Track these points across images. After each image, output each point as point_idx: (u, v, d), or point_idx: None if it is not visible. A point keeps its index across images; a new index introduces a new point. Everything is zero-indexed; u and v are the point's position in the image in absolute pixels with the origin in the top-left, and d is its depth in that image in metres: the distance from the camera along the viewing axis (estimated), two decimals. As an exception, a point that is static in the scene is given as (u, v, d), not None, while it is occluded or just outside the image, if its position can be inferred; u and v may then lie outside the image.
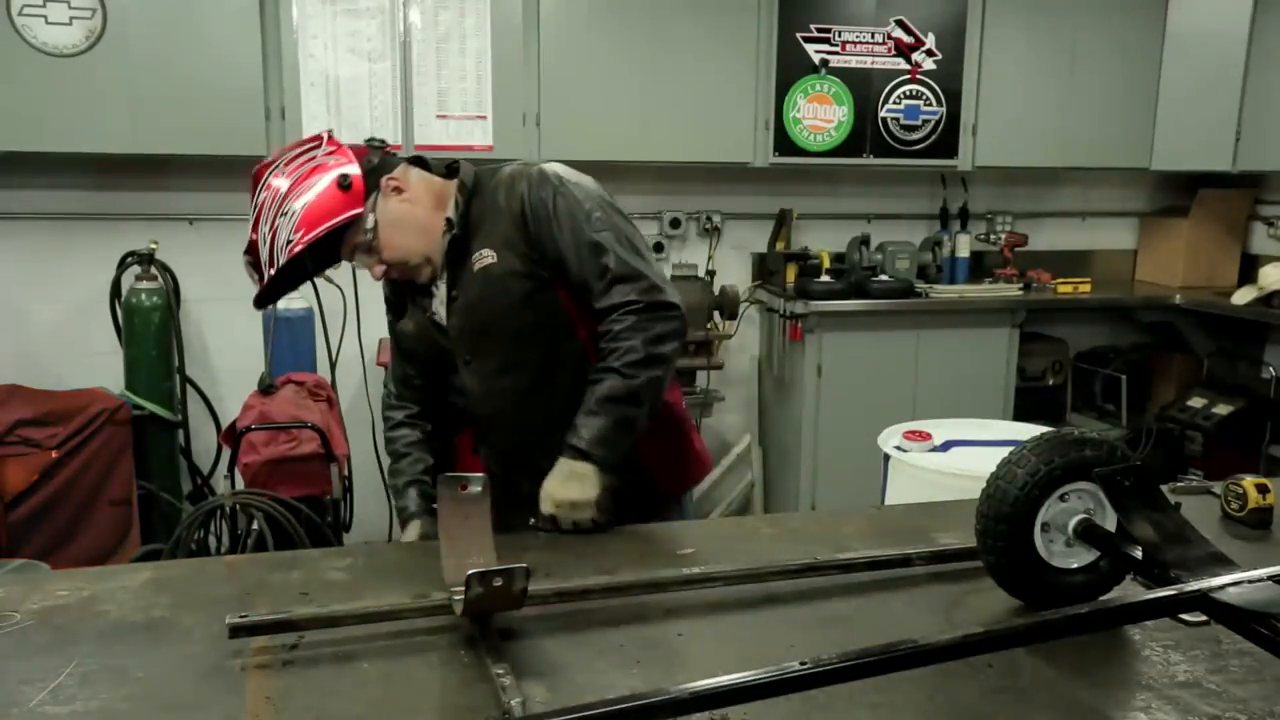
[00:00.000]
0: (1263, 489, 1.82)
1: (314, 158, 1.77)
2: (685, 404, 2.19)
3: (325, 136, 1.82)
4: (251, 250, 1.76)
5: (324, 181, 1.74)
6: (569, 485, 1.78)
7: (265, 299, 1.82)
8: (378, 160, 1.84)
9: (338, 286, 4.10)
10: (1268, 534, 1.80)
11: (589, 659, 1.32)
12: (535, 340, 1.89)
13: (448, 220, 1.87)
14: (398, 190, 1.84)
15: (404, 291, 1.99)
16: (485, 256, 1.85)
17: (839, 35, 4.51)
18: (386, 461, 2.11)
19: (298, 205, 1.72)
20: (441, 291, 1.93)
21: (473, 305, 1.88)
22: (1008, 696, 1.23)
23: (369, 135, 4.18)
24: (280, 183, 1.74)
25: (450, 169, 1.94)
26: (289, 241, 1.71)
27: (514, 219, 1.83)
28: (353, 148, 1.83)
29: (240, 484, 3.29)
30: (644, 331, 1.80)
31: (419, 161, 1.93)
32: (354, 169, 1.77)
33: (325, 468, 3.36)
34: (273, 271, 1.73)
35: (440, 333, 1.95)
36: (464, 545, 1.48)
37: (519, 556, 1.52)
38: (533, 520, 1.83)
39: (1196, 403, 4.76)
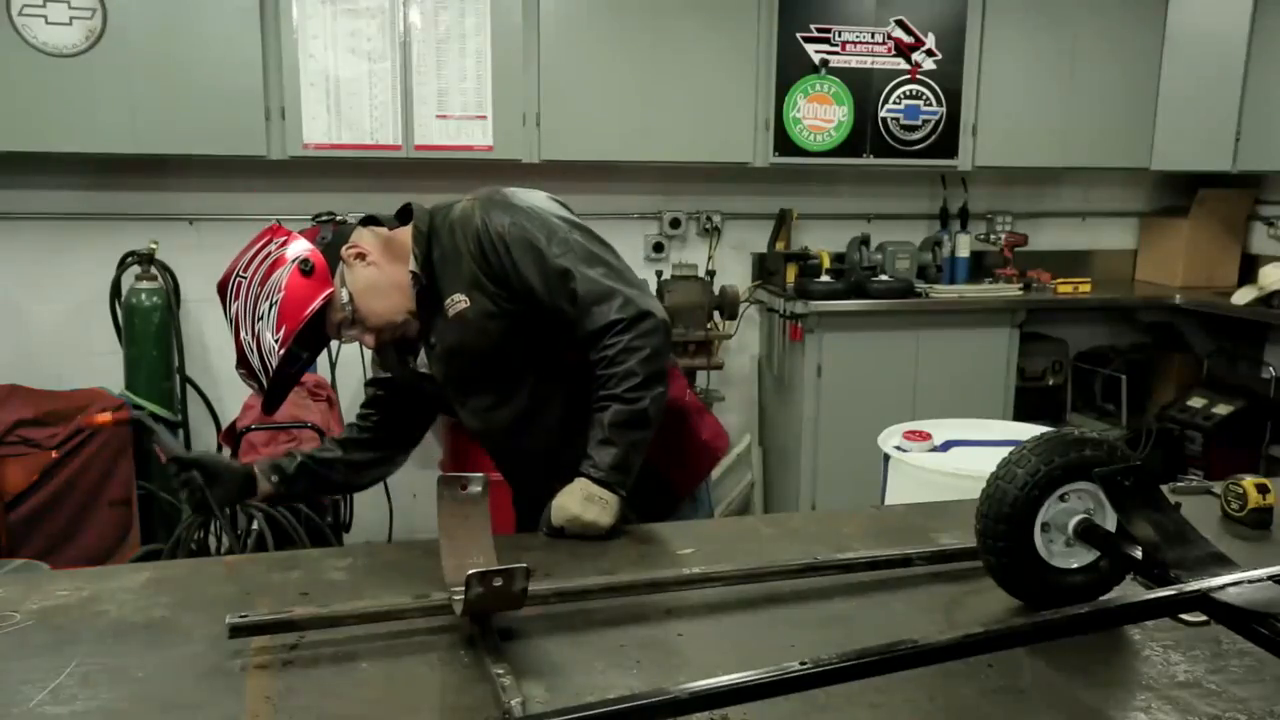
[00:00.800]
0: (1263, 489, 1.81)
1: (268, 254, 1.77)
2: (689, 394, 2.17)
3: (273, 228, 1.82)
4: (243, 362, 1.78)
5: (286, 274, 1.75)
6: (589, 506, 1.75)
7: (272, 402, 1.84)
8: (330, 235, 1.83)
9: (338, 286, 4.10)
10: (1268, 534, 1.80)
11: (589, 659, 1.32)
12: (524, 372, 1.88)
13: (412, 274, 1.84)
14: (360, 256, 1.83)
15: (384, 349, 1.99)
16: (458, 301, 1.83)
17: (839, 35, 4.51)
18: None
19: (269, 306, 1.73)
20: (422, 342, 1.92)
21: (453, 351, 1.87)
22: (1008, 696, 1.23)
23: (370, 135, 4.21)
24: (245, 290, 1.75)
25: (402, 215, 1.92)
26: (275, 344, 1.73)
27: (475, 259, 1.81)
28: (301, 232, 1.83)
29: (240, 484, 3.28)
30: (637, 352, 1.76)
31: (370, 220, 1.91)
32: (310, 251, 1.77)
33: (325, 468, 3.35)
34: (268, 378, 1.75)
35: (427, 382, 1.95)
36: (464, 545, 1.48)
37: (519, 556, 1.52)
38: (544, 530, 1.83)
39: (1196, 403, 4.76)
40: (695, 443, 2.10)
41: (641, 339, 1.77)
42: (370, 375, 2.15)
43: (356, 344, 1.91)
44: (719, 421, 2.24)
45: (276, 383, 1.78)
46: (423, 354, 1.94)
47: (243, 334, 1.76)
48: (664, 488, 2.00)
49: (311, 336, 1.80)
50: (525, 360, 1.87)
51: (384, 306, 1.83)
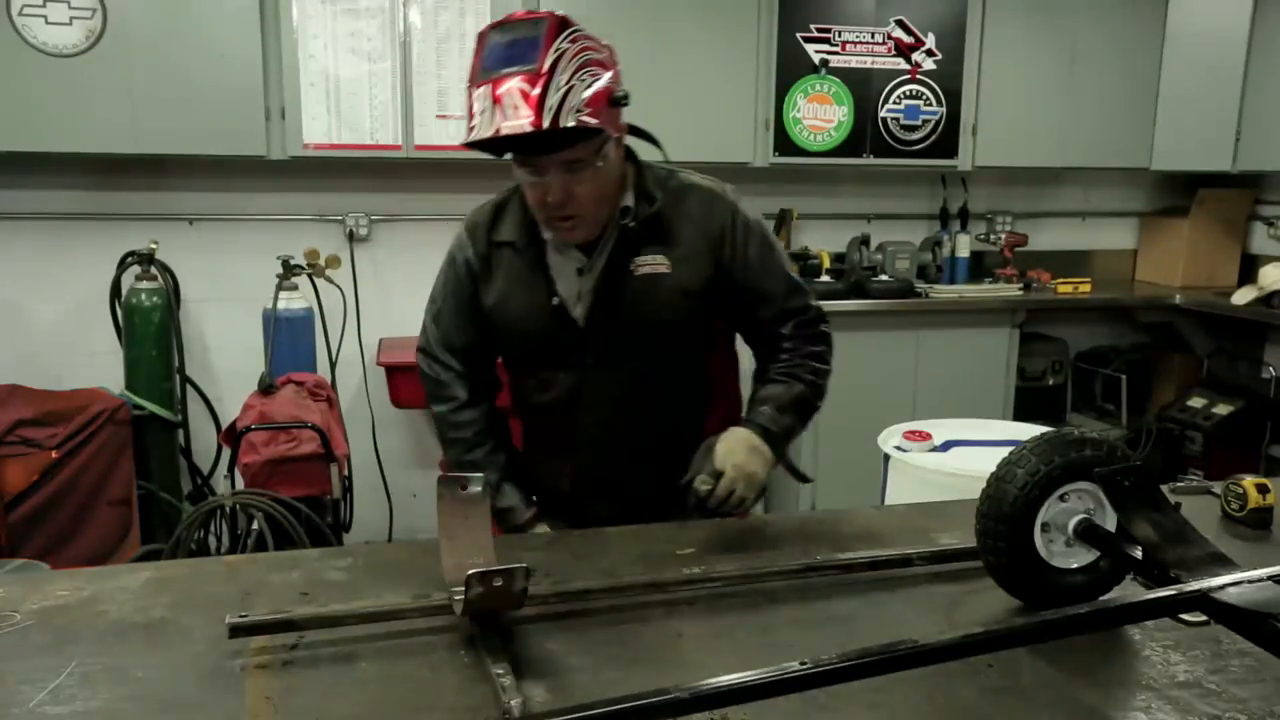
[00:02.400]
0: (1263, 489, 1.81)
1: (603, 53, 1.70)
2: None
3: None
4: (537, 81, 1.58)
5: (610, 77, 1.66)
6: (753, 457, 1.76)
7: (497, 144, 1.64)
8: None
9: (338, 287, 4.11)
10: (1268, 534, 1.80)
11: (589, 659, 1.32)
12: (674, 357, 1.86)
13: (624, 209, 1.80)
14: (619, 144, 1.77)
15: (499, 260, 1.86)
16: (657, 263, 1.79)
17: (839, 35, 4.51)
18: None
19: (592, 83, 1.62)
20: (582, 283, 1.82)
21: (626, 307, 1.80)
22: (1008, 696, 1.23)
23: (370, 135, 4.20)
24: (586, 50, 1.64)
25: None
26: (577, 109, 1.59)
27: (708, 237, 1.81)
28: None
29: (240, 484, 3.29)
30: (828, 366, 1.91)
31: None
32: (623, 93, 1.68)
33: (325, 468, 3.36)
34: (550, 121, 1.57)
35: (559, 322, 1.82)
36: (464, 545, 1.48)
37: (519, 556, 1.51)
38: (696, 495, 1.75)
39: (1196, 403, 4.77)
40: None
41: (830, 361, 1.93)
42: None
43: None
44: None
45: (531, 136, 1.60)
46: (570, 290, 1.83)
47: (560, 72, 1.60)
48: None
49: (555, 138, 1.62)
50: (684, 346, 1.87)
51: (604, 197, 1.76)
